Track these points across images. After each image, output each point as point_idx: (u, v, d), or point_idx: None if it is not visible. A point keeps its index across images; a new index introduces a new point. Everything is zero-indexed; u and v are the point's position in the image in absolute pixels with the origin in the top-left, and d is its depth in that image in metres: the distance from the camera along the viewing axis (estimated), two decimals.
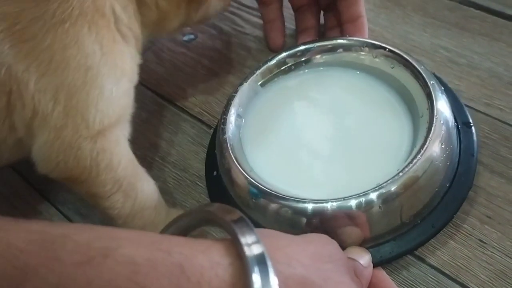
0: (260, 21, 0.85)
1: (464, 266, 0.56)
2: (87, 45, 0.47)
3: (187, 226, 0.45)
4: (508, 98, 0.69)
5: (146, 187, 0.55)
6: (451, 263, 0.56)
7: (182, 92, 0.78)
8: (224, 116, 0.63)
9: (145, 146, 0.73)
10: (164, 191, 0.67)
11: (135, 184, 0.53)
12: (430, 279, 0.56)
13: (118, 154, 0.51)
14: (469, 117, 0.65)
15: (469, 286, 0.55)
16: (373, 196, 0.53)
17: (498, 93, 0.70)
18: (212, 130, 0.73)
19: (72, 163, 0.48)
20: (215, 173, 0.65)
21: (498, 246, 0.57)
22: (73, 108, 0.47)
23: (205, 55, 0.82)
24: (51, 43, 0.46)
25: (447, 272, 0.56)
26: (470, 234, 0.58)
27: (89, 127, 0.48)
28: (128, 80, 0.53)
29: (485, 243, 0.57)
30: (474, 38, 0.78)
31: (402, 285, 0.56)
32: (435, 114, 0.57)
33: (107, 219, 0.55)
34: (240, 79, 0.68)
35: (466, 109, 0.66)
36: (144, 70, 0.81)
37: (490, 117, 0.68)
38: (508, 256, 0.56)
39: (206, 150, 0.71)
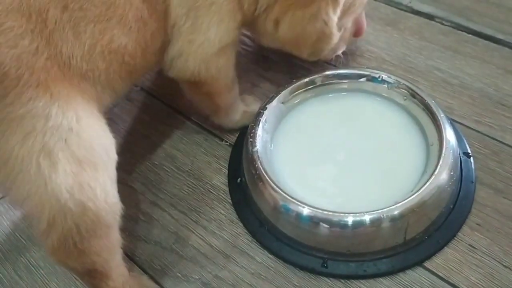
0: None
1: (456, 269, 0.62)
2: None
3: None
4: (497, 116, 0.76)
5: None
6: (444, 266, 0.62)
7: (196, 107, 0.84)
8: (253, 131, 0.69)
9: (162, 156, 0.78)
10: (180, 197, 0.73)
11: (235, 84, 0.74)
12: (425, 280, 0.61)
13: (231, 66, 0.70)
14: (468, 148, 0.71)
15: (460, 287, 0.60)
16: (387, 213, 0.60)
17: (488, 111, 0.76)
18: (223, 143, 0.78)
19: (205, 73, 0.66)
20: (239, 180, 0.71)
21: (487, 251, 0.63)
22: (198, 27, 0.62)
23: None
24: None
25: (440, 274, 0.61)
26: (461, 240, 0.64)
27: (211, 45, 0.64)
28: (236, 21, 0.66)
29: (475, 248, 0.63)
30: (466, 61, 0.84)
31: (400, 286, 0.61)
32: (444, 145, 0.64)
33: None
34: (256, 96, 0.74)
35: (466, 141, 0.72)
36: (161, 87, 0.88)
37: (480, 133, 0.74)
38: (496, 260, 0.62)
39: (218, 160, 0.76)
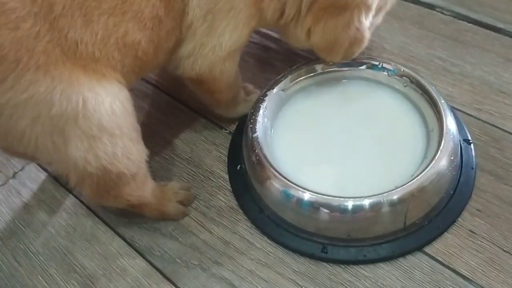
0: (271, 32, 0.91)
1: (456, 254, 0.61)
2: None
3: None
4: (497, 104, 0.75)
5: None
6: (444, 251, 0.62)
7: (195, 95, 0.84)
8: (253, 117, 0.69)
9: (162, 144, 0.78)
10: None
11: (237, 82, 0.75)
12: (425, 265, 0.61)
13: (235, 68, 0.71)
14: (469, 134, 0.71)
15: (460, 272, 0.60)
16: (386, 198, 0.60)
17: (488, 99, 0.76)
18: (223, 131, 0.78)
19: (208, 74, 0.67)
20: (238, 167, 0.71)
21: (487, 236, 0.62)
22: (214, 30, 0.62)
23: None
24: None
25: (440, 259, 0.61)
26: (461, 225, 0.64)
27: (222, 49, 0.64)
28: (250, 27, 0.66)
29: (475, 233, 0.63)
30: (467, 49, 0.84)
31: (399, 271, 0.61)
32: (445, 130, 0.64)
33: None
34: (255, 85, 0.74)
35: (466, 128, 0.72)
36: (161, 76, 0.88)
37: (480, 120, 0.74)
38: (496, 245, 0.62)
39: (217, 148, 0.76)
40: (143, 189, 0.64)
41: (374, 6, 0.66)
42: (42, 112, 0.52)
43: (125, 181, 0.60)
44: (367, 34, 0.68)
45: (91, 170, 0.56)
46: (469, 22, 0.89)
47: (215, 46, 0.64)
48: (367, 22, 0.66)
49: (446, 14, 0.91)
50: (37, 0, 0.50)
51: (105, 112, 0.55)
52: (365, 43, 0.69)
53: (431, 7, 0.93)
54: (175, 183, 0.72)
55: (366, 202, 0.60)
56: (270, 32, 0.91)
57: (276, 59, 0.87)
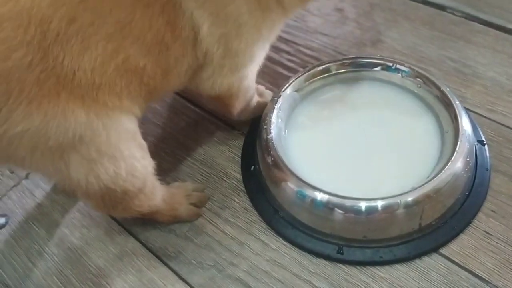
0: (282, 34, 0.91)
1: (472, 255, 0.62)
2: (241, 5, 0.58)
3: None
4: (510, 105, 0.76)
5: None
6: (460, 252, 0.62)
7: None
8: (268, 118, 0.69)
9: (174, 145, 0.78)
10: None
11: (252, 94, 0.75)
12: (441, 266, 0.61)
13: (252, 86, 0.72)
14: (482, 135, 0.71)
15: (476, 273, 0.60)
16: (401, 199, 0.60)
17: (501, 100, 0.76)
18: (236, 131, 0.78)
19: (226, 92, 0.67)
20: (252, 168, 0.71)
21: (502, 237, 0.62)
22: (229, 51, 0.61)
23: None
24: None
25: (456, 260, 0.61)
26: (476, 226, 0.64)
27: (239, 70, 0.64)
28: (265, 40, 0.65)
29: (490, 234, 0.63)
30: (478, 50, 0.84)
31: (415, 272, 0.61)
32: (460, 131, 0.64)
33: None
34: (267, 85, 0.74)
35: (479, 129, 0.72)
36: None
37: (493, 121, 0.74)
38: None
39: (230, 148, 0.76)
40: (153, 199, 0.63)
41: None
42: (39, 144, 0.51)
43: (132, 195, 0.60)
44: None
45: (95, 188, 0.56)
46: (479, 23, 0.89)
47: (231, 67, 0.64)
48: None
49: (456, 15, 0.91)
50: (29, 27, 0.47)
51: (103, 141, 0.54)
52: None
53: (442, 8, 0.93)
54: (188, 184, 0.72)
55: (379, 204, 0.60)
56: (281, 33, 0.91)
57: (288, 60, 0.87)
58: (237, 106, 0.73)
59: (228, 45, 0.60)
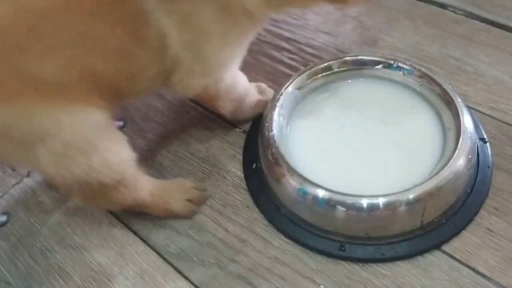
0: (283, 32, 0.91)
1: (474, 252, 0.61)
2: (206, 15, 0.56)
3: None
4: None
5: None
6: (462, 249, 0.62)
7: None
8: (269, 116, 0.69)
9: (176, 142, 0.78)
10: None
11: (239, 93, 0.73)
12: (443, 263, 0.61)
13: (231, 84, 0.70)
14: (484, 133, 0.71)
15: (479, 270, 0.60)
16: (403, 197, 0.60)
17: (503, 98, 0.76)
18: (237, 129, 0.78)
19: (203, 94, 0.68)
20: (254, 165, 0.71)
21: (505, 234, 0.62)
22: (199, 57, 0.60)
23: None
24: (189, 8, 0.55)
25: (458, 257, 0.61)
26: (478, 224, 0.64)
27: (210, 74, 0.64)
28: (236, 46, 0.63)
29: (492, 231, 0.63)
30: (480, 49, 0.84)
31: (418, 269, 0.61)
32: (462, 129, 0.64)
33: None
34: (270, 83, 0.75)
35: (481, 127, 0.72)
36: None
37: (495, 119, 0.74)
38: None
39: (232, 146, 0.76)
40: (135, 191, 0.64)
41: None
42: (7, 138, 0.54)
43: (111, 187, 0.60)
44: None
45: (70, 182, 0.57)
46: (481, 22, 0.89)
47: (202, 71, 0.63)
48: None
49: (458, 14, 0.91)
50: None
51: (69, 135, 0.55)
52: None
53: (443, 6, 0.93)
54: (188, 181, 0.72)
55: (381, 201, 0.60)
56: (282, 32, 0.92)
57: (290, 58, 0.87)
58: (224, 106, 0.73)
59: (197, 51, 0.60)
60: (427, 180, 0.61)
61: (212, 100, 0.71)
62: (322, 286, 0.61)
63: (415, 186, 0.60)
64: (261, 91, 0.79)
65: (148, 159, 0.77)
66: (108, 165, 0.58)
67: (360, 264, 0.62)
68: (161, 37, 0.56)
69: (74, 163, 0.56)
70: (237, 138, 0.77)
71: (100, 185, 0.58)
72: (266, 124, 0.68)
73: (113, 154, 0.58)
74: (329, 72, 0.75)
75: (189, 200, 0.69)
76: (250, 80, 0.82)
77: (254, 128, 0.76)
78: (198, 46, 0.59)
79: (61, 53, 0.52)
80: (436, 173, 0.61)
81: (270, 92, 0.78)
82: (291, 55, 0.88)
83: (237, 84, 0.72)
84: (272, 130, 0.67)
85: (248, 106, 0.76)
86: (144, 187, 0.65)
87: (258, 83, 0.80)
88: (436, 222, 0.63)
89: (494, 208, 0.65)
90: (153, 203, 0.67)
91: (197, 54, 0.60)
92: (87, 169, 0.56)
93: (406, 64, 0.73)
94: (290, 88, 0.72)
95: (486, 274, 0.59)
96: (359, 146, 0.69)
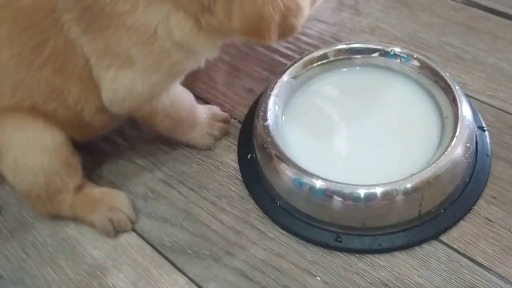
0: None
1: (472, 242, 0.60)
2: (132, 44, 0.57)
3: None
4: (511, 91, 0.74)
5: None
6: (460, 239, 0.61)
7: (203, 85, 0.83)
8: (264, 105, 0.68)
9: None
10: (189, 175, 0.72)
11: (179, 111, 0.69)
12: (441, 253, 0.60)
13: (169, 105, 0.66)
14: (483, 122, 0.70)
15: (477, 260, 0.59)
16: (400, 186, 0.59)
17: (502, 86, 0.75)
18: (232, 119, 0.77)
19: (138, 113, 0.65)
20: (249, 156, 0.70)
21: (503, 224, 0.61)
22: (121, 79, 0.59)
23: (225, 51, 0.87)
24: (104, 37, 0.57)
25: (456, 247, 0.60)
26: (477, 213, 0.63)
27: (136, 99, 0.61)
28: (170, 76, 0.63)
29: (491, 221, 0.62)
30: (479, 36, 0.83)
31: (415, 260, 0.60)
32: (460, 117, 0.63)
33: None
34: (263, 72, 0.73)
35: (480, 115, 0.71)
36: None
37: (494, 107, 0.73)
38: None
39: (227, 137, 0.75)
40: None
41: None
42: None
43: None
44: (304, 1, 0.56)
45: (23, 191, 0.66)
46: (480, 9, 0.88)
47: (127, 94, 0.61)
48: None
49: (457, 1, 0.90)
50: None
51: (20, 155, 0.62)
52: (304, 10, 0.56)
53: None
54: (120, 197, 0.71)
55: (378, 190, 0.59)
56: None
57: (285, 47, 0.86)
58: (162, 124, 0.68)
59: (119, 74, 0.59)
60: (424, 169, 0.60)
61: (149, 118, 0.66)
62: (318, 278, 0.60)
63: (413, 175, 0.59)
64: (213, 115, 0.75)
65: (141, 150, 0.76)
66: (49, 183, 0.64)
67: (357, 255, 0.61)
68: (87, 63, 0.59)
69: (23, 180, 0.63)
70: (232, 128, 0.76)
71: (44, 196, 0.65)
72: (261, 114, 0.67)
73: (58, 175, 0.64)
74: (324, 61, 0.73)
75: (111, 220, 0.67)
76: (247, 71, 0.81)
77: (249, 119, 0.75)
78: (117, 71, 0.59)
79: (8, 94, 0.60)
80: (434, 162, 0.60)
81: (226, 117, 0.76)
82: (287, 44, 0.87)
83: (178, 104, 0.68)
84: (267, 120, 0.66)
85: (198, 130, 0.72)
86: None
87: (209, 105, 0.77)
88: (434, 212, 0.62)
89: (493, 197, 0.64)
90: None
91: (117, 76, 0.59)
92: (32, 185, 0.63)
93: (403, 52, 0.71)
94: (285, 77, 0.71)
95: (485, 264, 0.58)
96: (355, 135, 0.68)
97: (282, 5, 0.52)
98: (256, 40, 0.59)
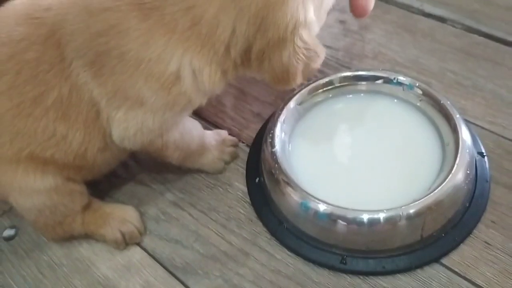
0: None
1: (472, 265, 0.63)
2: (140, 85, 0.59)
3: None
4: (510, 117, 0.77)
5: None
6: (461, 262, 0.63)
7: (212, 109, 0.86)
8: (272, 131, 0.71)
9: None
10: (199, 197, 0.74)
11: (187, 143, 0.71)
12: (442, 276, 0.62)
13: (179, 138, 0.68)
14: (482, 147, 0.73)
15: (476, 282, 0.61)
16: (403, 211, 0.61)
17: (501, 112, 0.78)
18: (240, 143, 0.80)
19: (150, 148, 0.67)
20: (257, 180, 0.73)
21: (502, 247, 0.64)
22: (132, 118, 0.62)
23: None
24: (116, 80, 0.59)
25: (457, 270, 0.63)
26: (477, 237, 0.65)
27: (147, 135, 0.64)
28: (177, 115, 0.65)
29: (490, 245, 0.64)
30: (479, 62, 0.86)
31: (418, 282, 0.62)
32: (460, 144, 0.66)
33: None
34: (270, 98, 0.76)
35: (480, 141, 0.73)
36: None
37: (494, 133, 0.75)
38: (511, 256, 0.63)
39: (235, 160, 0.78)
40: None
41: (310, 16, 0.59)
42: None
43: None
44: (319, 47, 0.62)
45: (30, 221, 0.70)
46: (480, 36, 0.90)
47: (138, 131, 0.63)
48: (312, 36, 0.60)
49: (457, 27, 0.93)
50: None
51: (21, 199, 0.65)
52: (322, 54, 0.63)
53: (442, 20, 0.95)
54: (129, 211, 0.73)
55: (382, 216, 0.61)
56: None
57: None
58: (172, 155, 0.70)
59: (129, 114, 0.61)
60: (427, 195, 0.62)
61: (161, 151, 0.68)
62: None
63: (415, 201, 0.62)
64: (222, 141, 0.78)
65: (152, 172, 0.78)
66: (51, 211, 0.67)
67: (361, 277, 0.64)
68: (94, 106, 0.61)
69: (29, 213, 0.67)
70: (241, 152, 0.79)
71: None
72: (269, 140, 0.70)
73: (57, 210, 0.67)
74: (330, 87, 0.76)
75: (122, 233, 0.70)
76: (254, 95, 0.83)
77: (257, 143, 0.78)
78: (128, 111, 0.61)
79: (7, 143, 0.61)
80: (436, 188, 0.63)
81: (234, 142, 0.79)
82: None
83: (188, 136, 0.70)
84: (274, 146, 0.69)
85: (208, 156, 0.75)
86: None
87: (217, 130, 0.79)
88: (435, 235, 0.64)
89: (492, 221, 0.66)
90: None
91: (128, 115, 0.61)
92: (38, 217, 0.67)
93: (406, 80, 0.74)
94: (291, 104, 0.74)
95: (484, 287, 0.61)
96: (360, 160, 0.70)
97: (304, 58, 0.60)
98: (282, 86, 0.64)
